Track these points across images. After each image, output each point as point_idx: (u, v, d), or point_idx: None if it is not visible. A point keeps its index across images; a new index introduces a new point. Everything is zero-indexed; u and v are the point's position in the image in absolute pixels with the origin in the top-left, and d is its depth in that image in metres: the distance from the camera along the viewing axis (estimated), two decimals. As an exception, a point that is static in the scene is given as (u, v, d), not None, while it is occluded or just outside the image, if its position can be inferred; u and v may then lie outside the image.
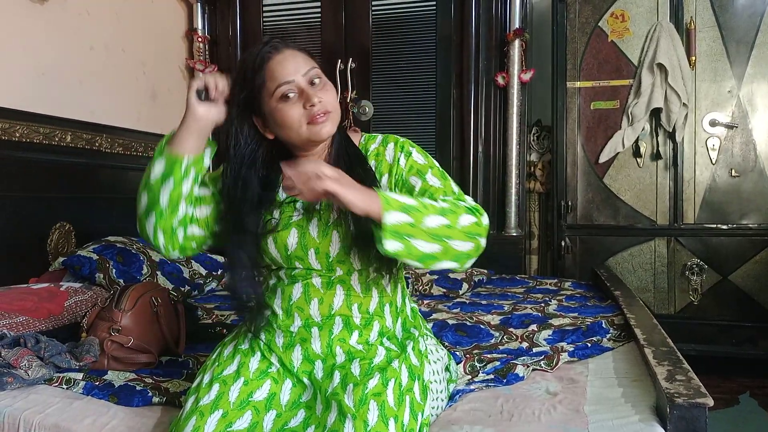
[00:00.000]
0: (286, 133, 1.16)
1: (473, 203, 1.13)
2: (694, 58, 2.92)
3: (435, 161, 1.22)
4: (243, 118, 1.17)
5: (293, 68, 1.13)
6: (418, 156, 1.20)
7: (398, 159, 1.20)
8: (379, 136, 1.26)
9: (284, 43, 1.17)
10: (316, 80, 1.15)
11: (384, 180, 1.20)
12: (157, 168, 1.14)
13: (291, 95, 1.13)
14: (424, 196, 1.13)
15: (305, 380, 1.15)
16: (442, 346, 1.38)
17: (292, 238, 1.17)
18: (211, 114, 1.15)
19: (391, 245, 1.00)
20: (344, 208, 1.03)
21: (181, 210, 1.17)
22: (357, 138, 1.27)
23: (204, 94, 1.15)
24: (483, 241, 1.09)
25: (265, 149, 1.21)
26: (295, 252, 1.17)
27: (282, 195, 1.21)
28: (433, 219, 1.02)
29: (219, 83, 1.16)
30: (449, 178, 1.19)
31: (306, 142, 1.16)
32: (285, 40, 1.19)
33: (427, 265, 1.05)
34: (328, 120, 1.14)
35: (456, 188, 1.17)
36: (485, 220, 1.10)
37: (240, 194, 1.17)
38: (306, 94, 1.13)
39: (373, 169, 1.21)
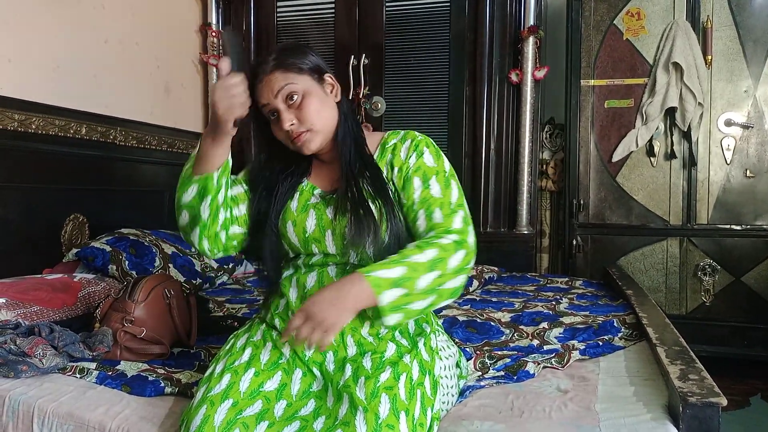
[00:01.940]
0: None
1: (460, 225, 1.14)
2: (710, 57, 2.89)
3: (446, 164, 1.24)
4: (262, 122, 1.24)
5: (267, 92, 1.18)
6: (429, 157, 1.22)
7: (410, 156, 1.22)
8: (402, 132, 1.28)
9: (270, 64, 1.19)
10: (295, 97, 1.18)
11: (394, 173, 1.23)
12: (191, 190, 1.19)
13: (272, 117, 1.20)
14: (421, 207, 1.17)
15: (316, 371, 1.16)
16: (453, 343, 1.38)
17: (311, 220, 1.21)
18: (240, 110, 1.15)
19: (391, 320, 1.05)
20: None
21: (221, 216, 1.22)
22: (377, 136, 1.29)
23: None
24: (472, 264, 1.13)
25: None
26: (313, 234, 1.21)
27: (304, 183, 1.28)
28: (424, 279, 1.05)
29: (240, 95, 1.12)
30: (453, 185, 1.20)
31: None
32: (273, 57, 1.20)
33: (426, 313, 1.13)
34: (306, 138, 1.19)
35: (455, 197, 1.18)
36: (472, 243, 1.13)
37: (266, 183, 1.25)
38: (281, 118, 1.18)
39: (389, 162, 1.24)
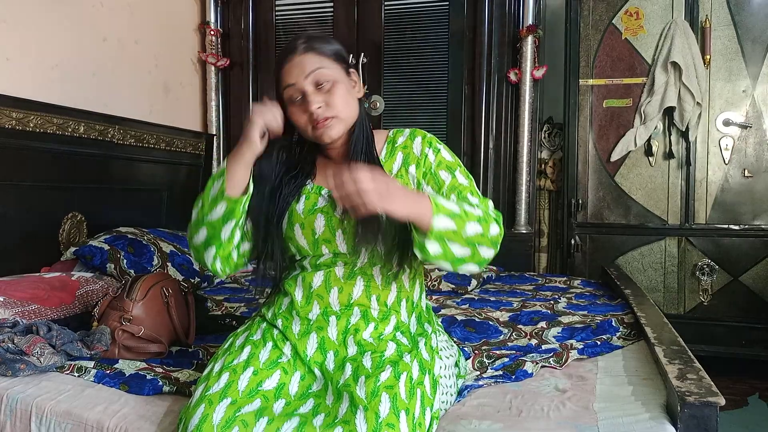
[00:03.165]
0: (300, 133, 1.23)
1: (493, 210, 1.18)
2: (708, 56, 2.89)
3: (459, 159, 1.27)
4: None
5: (298, 72, 1.17)
6: (447, 153, 1.25)
7: (426, 153, 1.24)
8: (407, 131, 1.29)
9: (300, 47, 1.19)
10: (324, 83, 1.18)
11: (412, 170, 1.24)
12: (219, 209, 1.17)
13: (296, 99, 1.18)
14: (453, 192, 1.20)
15: (316, 371, 1.16)
16: (453, 343, 1.38)
17: (320, 222, 1.21)
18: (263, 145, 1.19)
19: (432, 247, 1.05)
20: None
21: (236, 237, 1.22)
22: (381, 135, 1.29)
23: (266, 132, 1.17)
24: (497, 249, 1.15)
25: (291, 143, 1.28)
26: (323, 235, 1.21)
27: (309, 185, 1.27)
28: (471, 226, 1.07)
29: (278, 117, 1.18)
30: (471, 179, 1.25)
31: (317, 142, 1.22)
32: (303, 41, 1.20)
33: (455, 267, 1.10)
34: (330, 125, 1.18)
35: (478, 190, 1.23)
36: (502, 224, 1.17)
37: (270, 186, 1.23)
38: (307, 100, 1.17)
39: (401, 161, 1.25)
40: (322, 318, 1.19)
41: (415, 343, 1.20)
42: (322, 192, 1.25)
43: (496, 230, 1.12)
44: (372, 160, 1.23)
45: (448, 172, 1.23)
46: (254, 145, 1.16)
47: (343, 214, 1.19)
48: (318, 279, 1.21)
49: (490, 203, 1.21)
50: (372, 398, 1.03)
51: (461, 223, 1.05)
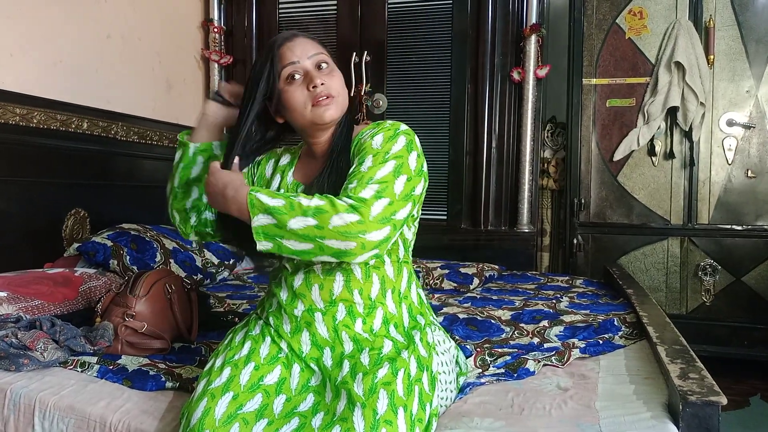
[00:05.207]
0: (292, 115, 1.22)
1: (367, 195, 1.06)
2: (712, 57, 2.89)
3: (396, 147, 1.13)
4: (256, 105, 1.22)
5: (300, 51, 1.20)
6: (379, 139, 1.15)
7: (369, 139, 1.17)
8: (379, 123, 1.22)
9: (298, 34, 1.24)
10: (323, 65, 1.21)
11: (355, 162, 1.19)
12: (176, 156, 1.33)
13: (296, 76, 1.19)
14: (350, 182, 1.11)
15: (314, 366, 1.17)
16: (449, 338, 1.38)
17: None
18: (221, 113, 1.31)
19: (261, 245, 1.06)
20: None
21: (193, 193, 1.30)
22: (358, 129, 1.28)
23: (220, 97, 1.31)
24: (372, 237, 1.04)
25: (274, 134, 1.32)
26: None
27: (290, 178, 1.30)
28: (298, 221, 1.03)
29: (233, 89, 1.30)
30: (389, 165, 1.11)
31: (311, 125, 1.21)
32: (302, 32, 1.26)
33: (306, 259, 1.09)
34: (331, 104, 1.19)
35: (381, 174, 1.09)
36: (373, 214, 1.04)
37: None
38: (310, 75, 1.19)
39: (353, 154, 1.20)
40: (308, 314, 1.19)
41: (410, 338, 1.20)
42: (299, 189, 1.26)
43: (344, 219, 1.02)
44: (347, 158, 1.20)
45: (359, 162, 1.13)
46: (205, 104, 1.29)
47: None
48: (299, 279, 1.20)
49: (368, 189, 1.07)
50: (370, 395, 1.03)
51: (282, 218, 1.03)
